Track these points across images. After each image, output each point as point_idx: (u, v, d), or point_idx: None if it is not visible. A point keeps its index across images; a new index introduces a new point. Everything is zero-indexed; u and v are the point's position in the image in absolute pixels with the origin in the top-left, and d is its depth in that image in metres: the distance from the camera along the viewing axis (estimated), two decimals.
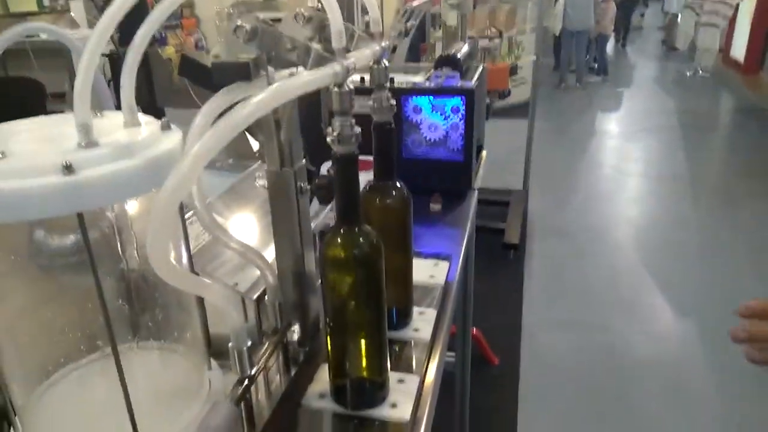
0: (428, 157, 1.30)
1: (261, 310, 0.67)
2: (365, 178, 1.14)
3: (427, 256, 0.94)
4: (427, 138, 1.30)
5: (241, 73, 0.51)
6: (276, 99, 0.42)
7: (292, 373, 0.66)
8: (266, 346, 0.62)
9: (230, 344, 0.57)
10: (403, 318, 0.75)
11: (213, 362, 0.64)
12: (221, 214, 1.02)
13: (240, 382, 0.57)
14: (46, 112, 0.56)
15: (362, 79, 1.30)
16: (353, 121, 0.52)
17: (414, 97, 1.26)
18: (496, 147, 4.36)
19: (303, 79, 0.45)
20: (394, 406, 0.61)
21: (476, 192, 1.32)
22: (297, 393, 0.63)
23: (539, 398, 1.95)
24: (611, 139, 5.06)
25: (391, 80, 1.28)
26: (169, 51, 2.40)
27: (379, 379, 0.62)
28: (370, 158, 1.23)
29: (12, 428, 0.53)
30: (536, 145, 3.50)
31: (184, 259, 0.59)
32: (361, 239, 0.56)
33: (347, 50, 0.57)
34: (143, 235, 0.42)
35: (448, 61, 1.29)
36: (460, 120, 1.26)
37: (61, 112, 0.57)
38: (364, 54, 0.57)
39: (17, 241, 0.50)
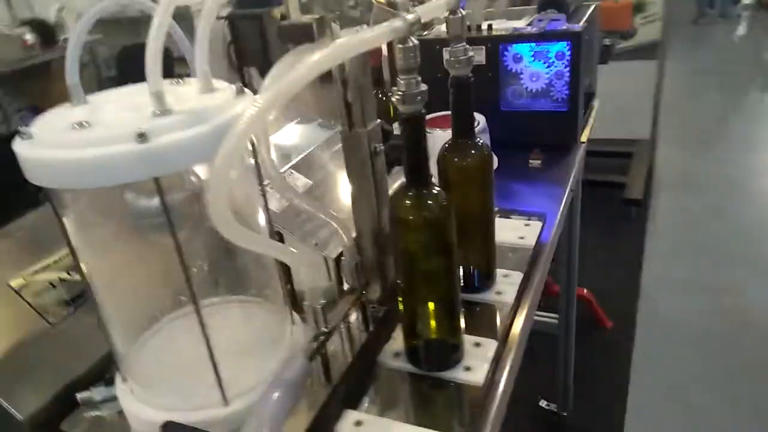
0: (529, 109, 1.23)
1: (341, 269, 0.68)
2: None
3: (519, 215, 0.90)
4: (528, 89, 1.23)
5: (306, 34, 0.50)
6: (329, 61, 0.41)
7: (370, 331, 0.67)
8: (342, 304, 0.64)
9: (305, 302, 0.59)
10: (485, 280, 0.72)
11: (296, 317, 0.67)
12: (326, 166, 1.03)
13: (315, 338, 0.59)
14: (172, 75, 0.59)
15: (468, 28, 1.25)
16: (419, 78, 0.50)
17: (513, 44, 1.19)
18: (621, 93, 4.04)
19: (358, 38, 0.43)
20: (468, 369, 0.60)
21: (583, 145, 1.23)
22: (374, 351, 0.65)
23: (655, 366, 1.83)
24: (759, 77, 4.46)
25: (489, 27, 1.22)
26: (279, 11, 2.46)
27: (451, 341, 0.61)
28: (447, 113, 1.19)
29: (118, 372, 0.59)
30: (668, 90, 3.18)
31: (263, 221, 0.62)
32: (429, 201, 0.54)
33: (419, 2, 0.54)
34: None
35: (552, 3, 1.20)
36: (565, 67, 1.17)
37: (187, 75, 0.61)
38: (435, 5, 0.54)
39: (112, 203, 0.55)
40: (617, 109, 3.81)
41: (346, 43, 0.42)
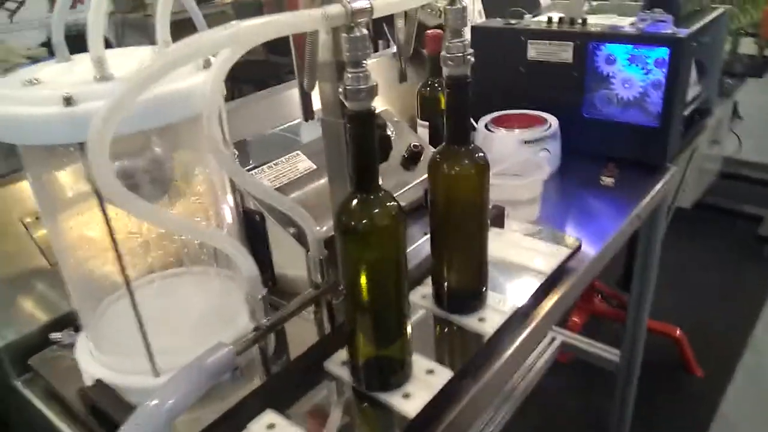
0: (615, 119, 1.09)
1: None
2: (515, 137, 1.02)
3: (549, 236, 0.80)
4: (620, 96, 1.08)
5: (256, 13, 0.47)
6: (224, 40, 0.38)
7: (325, 333, 0.64)
8: (297, 300, 0.61)
9: (246, 292, 0.57)
10: (470, 302, 0.65)
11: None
12: None
13: (255, 330, 0.57)
14: None
15: (549, 19, 1.13)
16: (368, 72, 0.45)
17: (606, 44, 1.05)
18: None
19: (270, 21, 0.39)
20: (407, 396, 0.55)
21: (673, 169, 1.07)
22: (324, 353, 0.61)
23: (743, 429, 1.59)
24: None
25: (583, 22, 1.09)
26: None
27: (393, 361, 0.56)
28: (526, 112, 1.09)
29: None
30: None
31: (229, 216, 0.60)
32: (376, 210, 0.49)
33: None
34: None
35: (660, 0, 1.04)
36: (664, 77, 1.01)
37: None
38: None
39: (67, 163, 0.56)
40: None
41: (250, 26, 0.38)
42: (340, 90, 0.45)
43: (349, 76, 0.45)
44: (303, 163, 0.73)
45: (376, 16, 0.44)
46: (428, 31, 0.96)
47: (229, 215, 0.62)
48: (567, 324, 1.81)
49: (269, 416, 0.55)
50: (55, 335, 0.66)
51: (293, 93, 1.18)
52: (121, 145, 0.54)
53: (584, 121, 1.11)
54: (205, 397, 0.52)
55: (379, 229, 0.49)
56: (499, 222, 0.85)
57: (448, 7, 0.53)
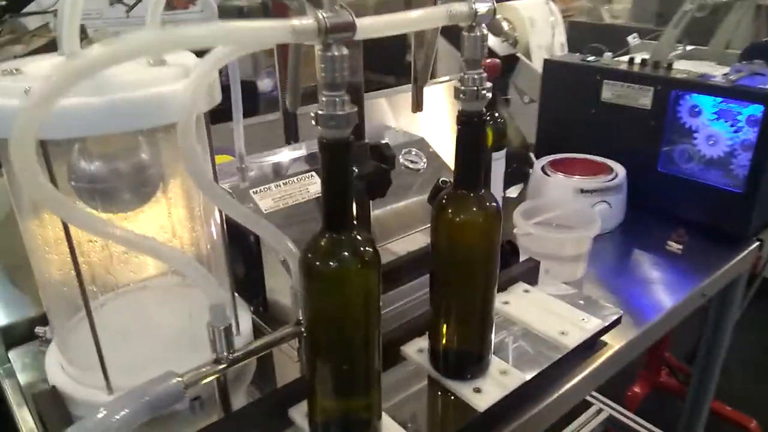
0: (694, 178, 0.96)
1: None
2: (572, 184, 0.92)
3: (586, 302, 0.70)
4: (702, 153, 0.95)
5: (240, 15, 0.42)
6: (163, 44, 0.34)
7: (302, 376, 0.58)
8: (270, 335, 0.55)
9: (207, 321, 0.52)
10: (468, 366, 0.57)
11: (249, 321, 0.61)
12: None
13: (215, 362, 0.52)
14: None
15: (631, 60, 1.02)
16: (346, 98, 0.39)
17: (692, 94, 0.93)
18: None
19: (226, 28, 0.34)
20: None
21: (755, 243, 0.92)
22: (292, 398, 0.55)
23: None
24: None
25: (669, 66, 0.97)
26: None
27: (357, 422, 0.49)
28: (592, 158, 0.98)
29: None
30: None
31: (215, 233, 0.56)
32: (344, 252, 0.43)
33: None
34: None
35: (762, 51, 0.90)
36: (756, 137, 0.88)
37: None
38: (409, 16, 0.41)
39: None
40: None
41: (193, 34, 0.34)
42: (312, 114, 0.40)
43: (324, 99, 0.39)
44: (315, 186, 0.68)
45: (362, 36, 0.39)
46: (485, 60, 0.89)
47: (215, 232, 0.58)
48: (625, 393, 1.64)
49: None
50: (39, 329, 0.65)
51: (381, 102, 1.16)
52: (100, 145, 0.51)
53: (658, 176, 0.99)
54: (156, 425, 0.48)
55: (343, 274, 0.43)
56: (531, 278, 0.75)
57: (465, 33, 0.46)
